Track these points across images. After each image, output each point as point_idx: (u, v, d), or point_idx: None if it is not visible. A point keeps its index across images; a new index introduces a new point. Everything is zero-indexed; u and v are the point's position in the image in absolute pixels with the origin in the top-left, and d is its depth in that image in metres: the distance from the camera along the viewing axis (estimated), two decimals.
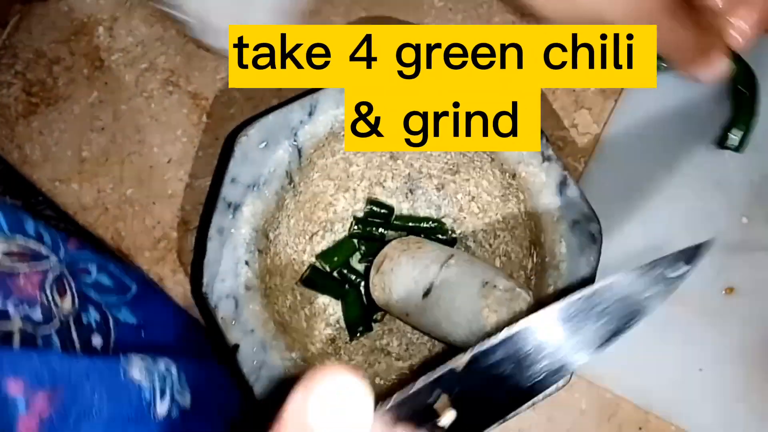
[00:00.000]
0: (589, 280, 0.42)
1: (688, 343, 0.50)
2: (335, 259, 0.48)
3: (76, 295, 0.41)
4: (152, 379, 0.38)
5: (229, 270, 0.42)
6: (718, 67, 0.39)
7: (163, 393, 0.38)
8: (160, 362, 0.39)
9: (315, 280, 0.48)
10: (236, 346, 0.41)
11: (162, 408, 0.38)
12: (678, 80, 0.53)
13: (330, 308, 0.48)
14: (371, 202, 0.49)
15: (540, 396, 0.40)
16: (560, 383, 0.40)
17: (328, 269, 0.48)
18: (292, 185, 0.45)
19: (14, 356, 0.32)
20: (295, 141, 0.43)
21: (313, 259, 0.49)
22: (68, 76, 0.54)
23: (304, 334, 0.45)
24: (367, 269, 0.48)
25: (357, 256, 0.49)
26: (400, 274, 0.43)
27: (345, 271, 0.49)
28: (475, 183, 0.48)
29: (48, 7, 0.55)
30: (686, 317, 0.50)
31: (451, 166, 0.48)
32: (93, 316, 0.41)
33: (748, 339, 0.50)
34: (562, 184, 0.43)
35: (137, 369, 0.37)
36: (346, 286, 0.49)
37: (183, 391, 0.40)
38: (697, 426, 0.49)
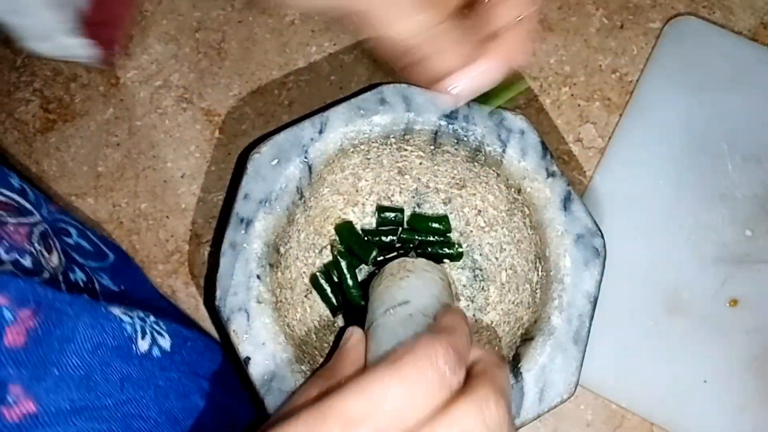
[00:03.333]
0: (593, 294, 0.43)
1: (693, 355, 0.51)
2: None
3: (61, 253, 0.41)
4: (132, 319, 0.38)
5: (242, 284, 0.43)
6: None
7: (143, 332, 0.39)
8: (137, 310, 0.39)
9: (321, 282, 0.49)
10: (248, 359, 0.42)
11: (143, 345, 0.38)
12: (680, 95, 0.54)
13: (339, 321, 0.49)
14: (381, 209, 0.50)
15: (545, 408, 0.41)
16: (564, 395, 0.41)
17: (335, 278, 0.49)
18: (302, 200, 0.46)
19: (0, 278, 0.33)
20: (305, 158, 0.44)
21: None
22: (85, 93, 0.56)
23: (314, 347, 0.46)
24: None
25: (364, 270, 0.50)
26: (375, 297, 0.43)
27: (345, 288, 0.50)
28: (481, 197, 0.49)
29: None
30: (690, 329, 0.51)
31: (457, 181, 0.49)
32: (80, 275, 0.42)
33: (752, 351, 0.50)
34: (567, 200, 0.44)
35: (117, 308, 0.38)
36: (343, 310, 0.50)
37: (163, 335, 0.40)
38: None
